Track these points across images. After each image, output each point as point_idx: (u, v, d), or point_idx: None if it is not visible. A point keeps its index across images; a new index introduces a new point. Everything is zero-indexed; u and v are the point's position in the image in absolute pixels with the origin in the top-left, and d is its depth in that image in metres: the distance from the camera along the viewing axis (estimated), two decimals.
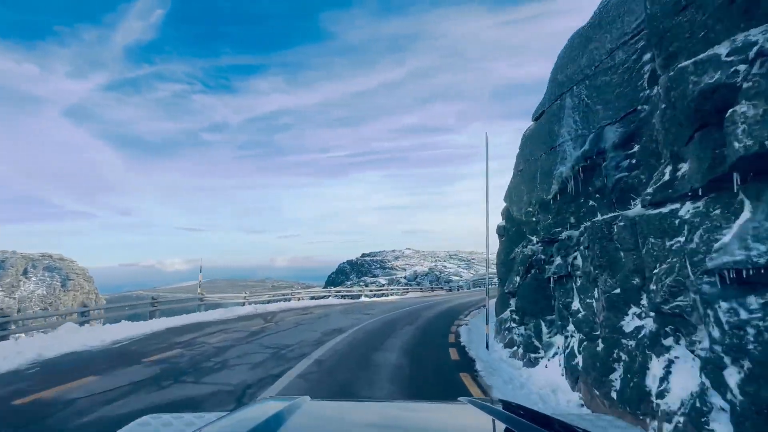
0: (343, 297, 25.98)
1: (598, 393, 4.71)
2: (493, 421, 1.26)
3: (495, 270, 11.16)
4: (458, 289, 39.38)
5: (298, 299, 21.10)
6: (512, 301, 8.80)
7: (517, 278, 8.46)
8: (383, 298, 26.20)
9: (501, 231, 10.65)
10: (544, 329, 7.29)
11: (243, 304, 16.65)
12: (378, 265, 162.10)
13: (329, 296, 25.55)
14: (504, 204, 10.25)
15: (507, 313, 9.00)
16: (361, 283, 53.91)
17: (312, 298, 23.92)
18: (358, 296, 26.00)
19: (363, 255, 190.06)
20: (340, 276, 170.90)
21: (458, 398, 1.60)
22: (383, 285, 44.05)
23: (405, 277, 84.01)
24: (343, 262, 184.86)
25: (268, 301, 18.56)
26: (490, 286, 11.24)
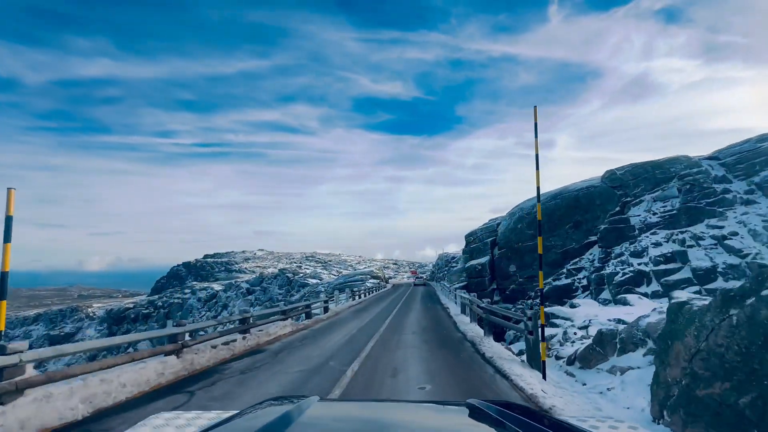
0: None
1: None
2: (500, 422, 1.27)
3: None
4: (324, 310, 17.76)
5: None
6: None
7: None
8: None
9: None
10: None
11: None
12: (223, 268, 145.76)
13: None
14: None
15: None
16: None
17: None
18: None
19: (206, 256, 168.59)
20: (172, 281, 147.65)
21: (467, 399, 1.60)
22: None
23: (248, 282, 76.26)
24: (178, 265, 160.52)
25: None
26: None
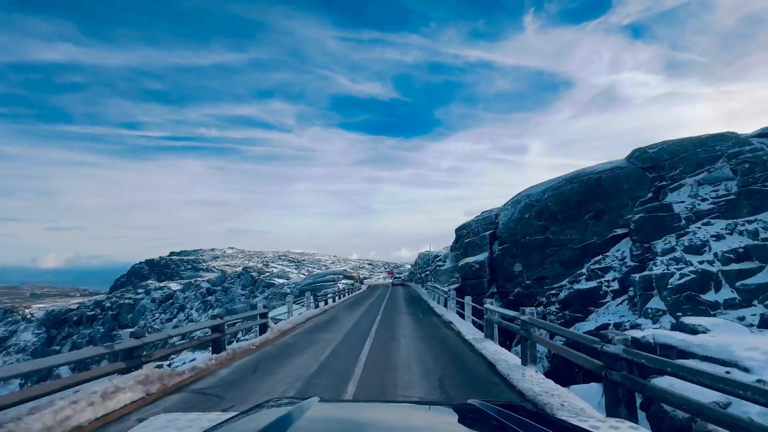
0: None
1: None
2: (500, 422, 1.28)
3: None
4: (261, 329, 10.87)
5: None
6: None
7: None
8: None
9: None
10: None
11: None
12: (190, 266, 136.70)
13: None
14: None
15: None
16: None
17: None
18: None
19: (172, 254, 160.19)
20: (133, 279, 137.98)
21: (467, 400, 1.60)
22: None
23: (209, 281, 68.63)
24: (140, 262, 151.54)
25: None
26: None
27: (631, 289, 18.12)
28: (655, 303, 16.27)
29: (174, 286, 70.05)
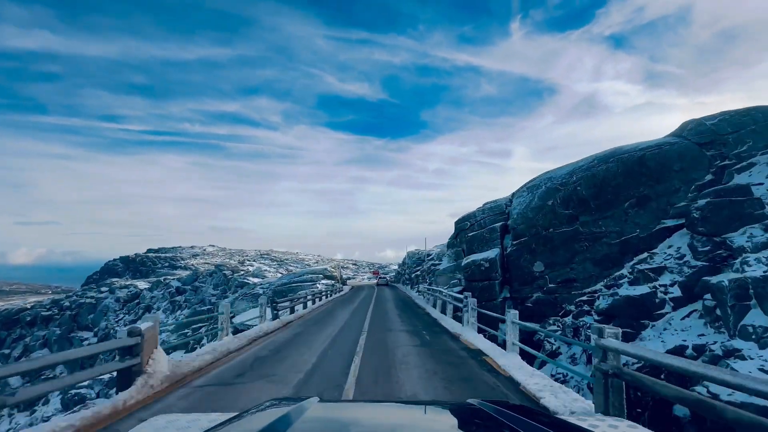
0: None
1: None
2: (499, 422, 1.26)
3: None
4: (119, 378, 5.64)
5: None
6: None
7: None
8: None
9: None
10: None
11: None
12: (167, 264, 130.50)
13: None
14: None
15: None
16: None
17: None
18: None
19: (149, 251, 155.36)
20: (107, 276, 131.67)
21: (467, 400, 1.61)
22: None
23: (180, 280, 62.54)
24: (115, 259, 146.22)
25: None
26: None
27: (708, 296, 13.28)
28: (758, 318, 11.41)
29: (141, 284, 63.80)
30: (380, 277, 53.71)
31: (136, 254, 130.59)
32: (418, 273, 42.57)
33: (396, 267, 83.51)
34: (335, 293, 29.53)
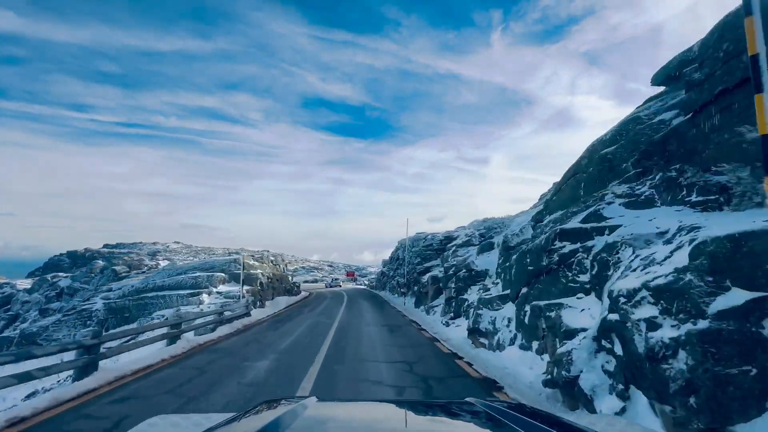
0: None
1: None
2: (499, 421, 1.24)
3: None
4: None
5: None
6: None
7: None
8: None
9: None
10: None
11: None
12: (119, 261, 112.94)
13: None
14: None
15: None
16: None
17: None
18: None
19: (105, 246, 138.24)
20: (50, 271, 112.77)
21: (466, 398, 1.56)
22: None
23: (74, 278, 46.84)
24: (62, 254, 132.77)
25: None
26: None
27: None
28: None
29: (20, 283, 46.09)
30: (352, 279, 51.65)
31: (86, 249, 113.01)
32: (421, 271, 23.98)
33: (375, 270, 70.04)
34: (241, 316, 11.98)
